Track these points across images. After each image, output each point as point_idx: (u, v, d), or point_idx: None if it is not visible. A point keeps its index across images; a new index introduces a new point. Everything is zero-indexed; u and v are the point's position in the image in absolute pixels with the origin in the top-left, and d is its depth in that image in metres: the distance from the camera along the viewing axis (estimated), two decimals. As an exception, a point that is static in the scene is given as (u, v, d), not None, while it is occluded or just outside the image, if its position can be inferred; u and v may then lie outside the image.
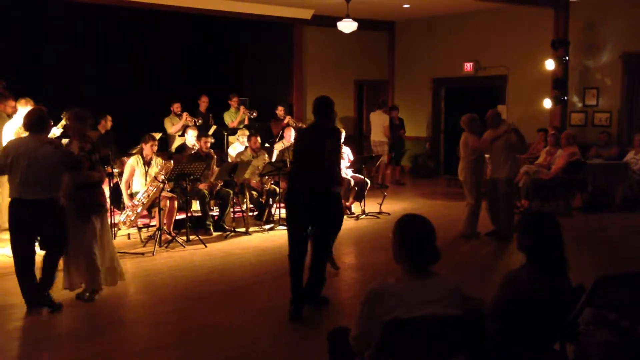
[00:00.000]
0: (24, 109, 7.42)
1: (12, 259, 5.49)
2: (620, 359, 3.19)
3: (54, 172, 5.19)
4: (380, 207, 9.67)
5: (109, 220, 5.98)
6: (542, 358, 3.23)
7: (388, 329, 2.67)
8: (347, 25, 11.20)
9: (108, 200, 8.56)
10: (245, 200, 8.75)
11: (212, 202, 8.53)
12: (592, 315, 3.43)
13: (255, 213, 9.16)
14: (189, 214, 8.00)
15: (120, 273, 5.86)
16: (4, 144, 7.19)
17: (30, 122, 5.29)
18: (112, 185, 7.64)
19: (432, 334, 2.74)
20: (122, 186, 7.65)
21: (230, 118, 11.64)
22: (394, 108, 13.19)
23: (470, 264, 6.91)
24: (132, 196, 7.62)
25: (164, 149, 10.28)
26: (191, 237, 7.72)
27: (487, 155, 8.18)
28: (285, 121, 11.54)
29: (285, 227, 8.44)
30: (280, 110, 11.95)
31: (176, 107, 11.06)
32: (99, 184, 5.64)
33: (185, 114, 10.80)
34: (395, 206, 10.09)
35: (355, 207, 9.67)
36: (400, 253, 2.84)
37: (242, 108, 11.74)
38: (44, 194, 5.14)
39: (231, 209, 8.58)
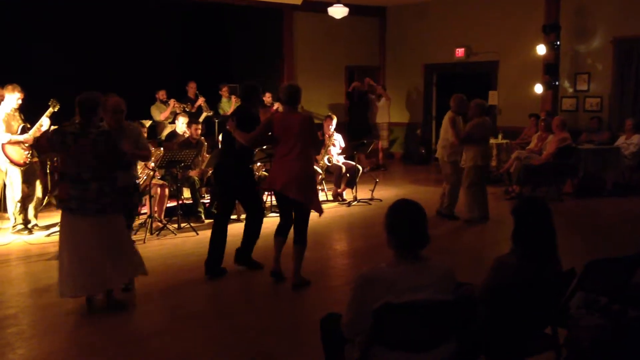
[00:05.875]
0: (11, 95, 7.36)
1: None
2: (611, 342, 3.20)
3: None
4: (372, 194, 9.66)
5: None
6: (534, 342, 3.24)
7: (379, 315, 2.66)
8: (338, 11, 11.14)
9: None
10: (236, 187, 8.70)
11: (203, 189, 8.50)
12: (583, 300, 3.44)
13: (246, 200, 9.12)
14: (180, 202, 7.97)
15: None
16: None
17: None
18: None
19: (423, 319, 2.73)
20: None
21: (224, 109, 11.71)
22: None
23: (462, 248, 6.91)
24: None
25: (154, 136, 10.20)
26: (182, 225, 7.69)
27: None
28: (274, 108, 11.46)
29: (276, 214, 8.48)
30: (267, 97, 11.88)
31: (161, 94, 10.97)
32: None
33: (172, 101, 10.71)
34: (387, 192, 10.08)
35: (347, 194, 9.66)
36: (392, 238, 2.82)
37: (233, 97, 11.73)
38: None
39: (222, 196, 8.52)
